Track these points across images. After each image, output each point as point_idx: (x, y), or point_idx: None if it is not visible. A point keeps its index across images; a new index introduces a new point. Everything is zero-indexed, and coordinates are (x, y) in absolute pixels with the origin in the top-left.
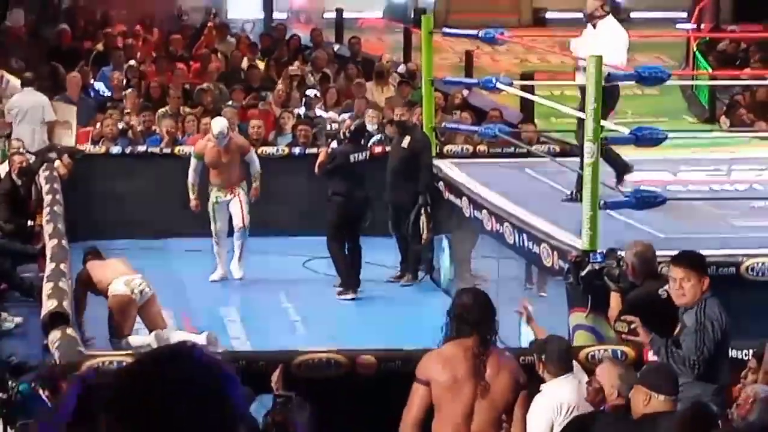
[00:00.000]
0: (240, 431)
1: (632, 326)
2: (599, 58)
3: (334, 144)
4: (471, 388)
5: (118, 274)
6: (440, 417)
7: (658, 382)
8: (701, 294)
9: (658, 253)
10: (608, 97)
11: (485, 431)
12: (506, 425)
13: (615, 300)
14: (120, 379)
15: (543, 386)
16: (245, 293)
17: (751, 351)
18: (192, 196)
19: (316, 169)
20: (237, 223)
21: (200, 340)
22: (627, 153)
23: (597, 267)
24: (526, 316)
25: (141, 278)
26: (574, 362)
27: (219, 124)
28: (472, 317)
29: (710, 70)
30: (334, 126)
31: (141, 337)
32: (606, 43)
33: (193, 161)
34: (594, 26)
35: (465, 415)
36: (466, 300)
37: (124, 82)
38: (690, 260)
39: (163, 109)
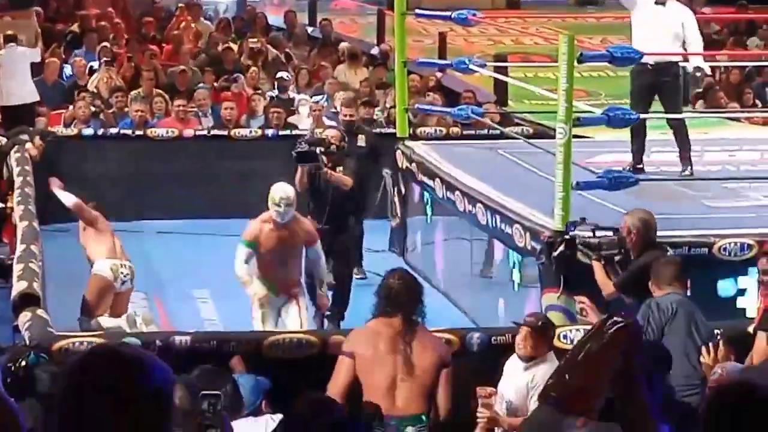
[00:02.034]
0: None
1: (580, 306)
2: (571, 38)
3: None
4: (392, 363)
5: (109, 254)
6: (366, 389)
7: None
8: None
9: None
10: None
11: (410, 405)
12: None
13: (599, 270)
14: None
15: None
16: (219, 276)
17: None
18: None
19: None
20: None
21: (138, 321)
22: (600, 134)
23: (569, 239)
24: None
25: (129, 267)
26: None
27: (282, 189)
28: (399, 298)
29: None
30: (304, 108)
31: (113, 319)
32: (695, 26)
33: (241, 250)
34: (663, 4)
35: (387, 388)
36: (392, 282)
37: (89, 66)
38: None
39: (135, 92)
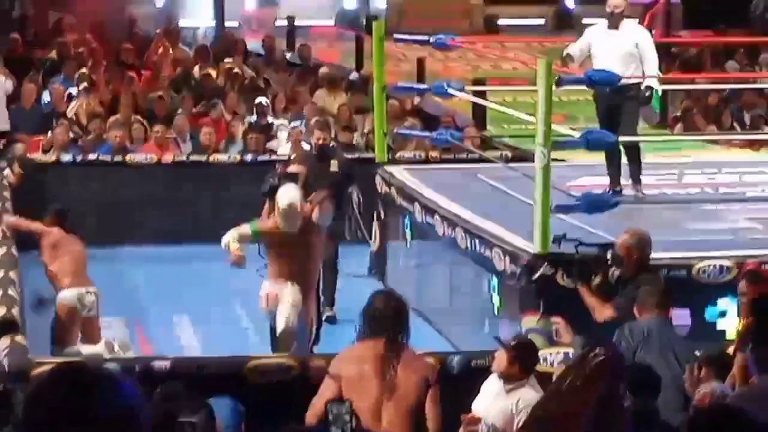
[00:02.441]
0: None
1: (555, 327)
2: (549, 63)
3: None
4: (377, 386)
5: (74, 283)
6: None
7: None
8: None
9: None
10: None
11: (396, 426)
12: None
13: (588, 293)
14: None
15: None
16: (199, 301)
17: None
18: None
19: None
20: None
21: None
22: (579, 157)
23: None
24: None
25: (94, 293)
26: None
27: (286, 197)
28: (383, 321)
29: (661, 75)
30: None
31: (91, 347)
32: (650, 47)
33: (244, 227)
34: (616, 27)
35: (372, 410)
36: (377, 303)
37: (67, 93)
38: None
39: (113, 118)
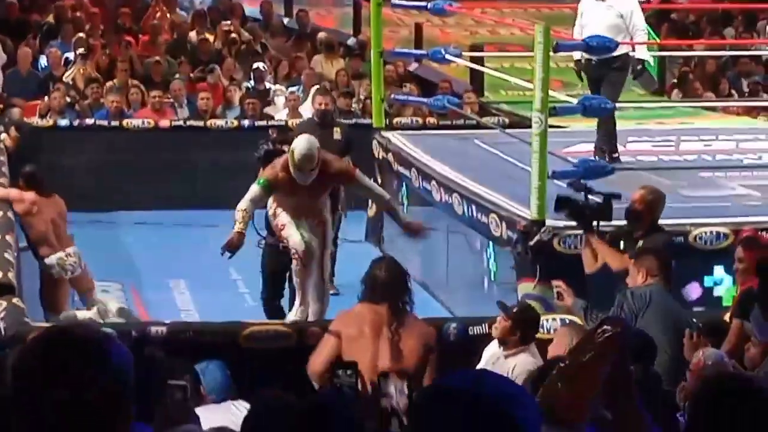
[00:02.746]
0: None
1: (557, 290)
2: (547, 28)
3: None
4: (375, 348)
5: (52, 249)
6: None
7: None
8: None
9: (609, 223)
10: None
11: None
12: None
13: (602, 244)
14: (14, 362)
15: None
16: (195, 266)
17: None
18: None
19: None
20: None
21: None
22: (576, 124)
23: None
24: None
25: (74, 254)
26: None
27: (303, 149)
28: (384, 288)
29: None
30: (280, 99)
31: (85, 312)
32: (638, 16)
33: (253, 190)
34: None
35: (371, 370)
36: (378, 272)
37: (64, 57)
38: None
39: (110, 83)
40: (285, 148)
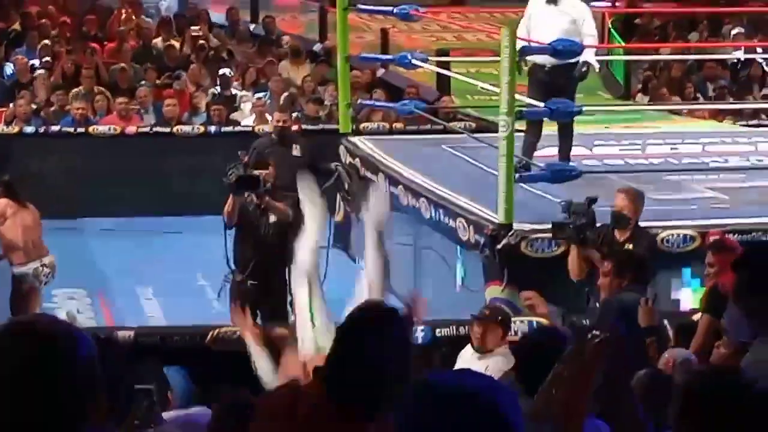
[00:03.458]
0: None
1: (528, 303)
2: (512, 32)
3: None
4: None
5: (27, 258)
6: None
7: None
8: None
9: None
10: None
11: None
12: None
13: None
14: None
15: None
16: (162, 272)
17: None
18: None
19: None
20: None
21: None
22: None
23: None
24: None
25: (49, 264)
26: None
27: None
28: None
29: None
30: (246, 105)
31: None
32: (589, 22)
33: None
34: (555, 2)
35: None
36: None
37: (30, 64)
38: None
39: (76, 90)
40: (258, 173)
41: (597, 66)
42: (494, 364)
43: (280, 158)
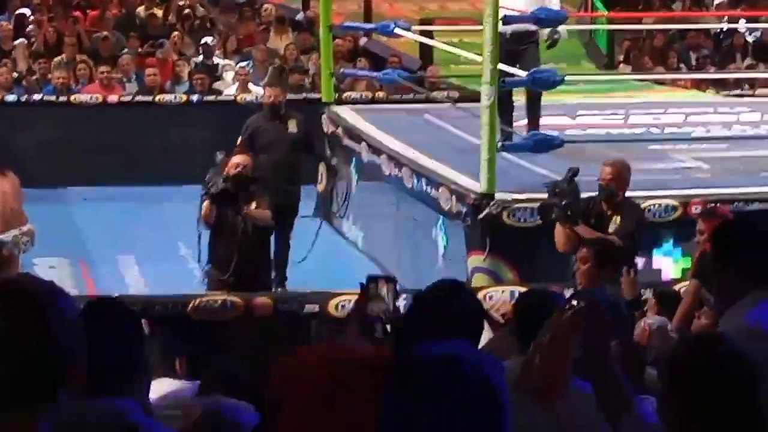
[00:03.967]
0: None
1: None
2: (495, 2)
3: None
4: None
5: (6, 227)
6: None
7: None
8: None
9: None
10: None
11: None
12: None
13: (586, 229)
14: None
15: None
16: (144, 241)
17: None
18: None
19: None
20: None
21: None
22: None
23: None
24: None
25: (28, 231)
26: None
27: None
28: None
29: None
30: (228, 74)
31: None
32: None
33: None
34: None
35: None
36: None
37: (13, 31)
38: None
39: (58, 58)
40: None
41: (565, 33)
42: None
43: (273, 135)
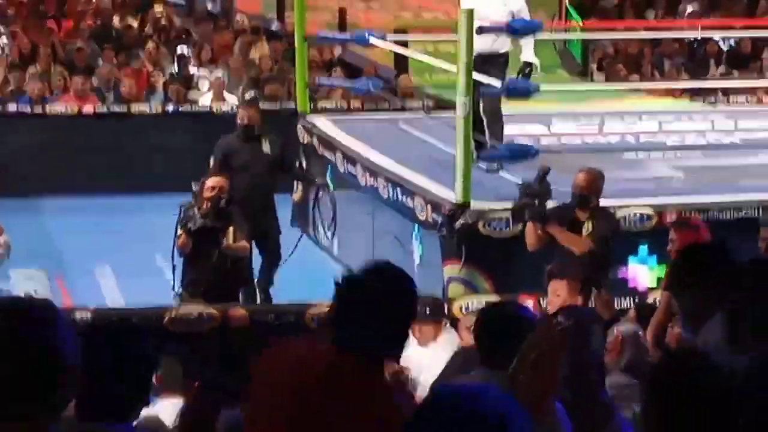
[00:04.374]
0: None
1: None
2: (470, 12)
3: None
4: None
5: None
6: None
7: None
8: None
9: None
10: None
11: None
12: None
13: (562, 232)
14: None
15: None
16: (120, 252)
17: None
18: None
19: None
20: None
21: None
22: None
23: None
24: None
25: (3, 243)
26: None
27: None
28: None
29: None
30: (204, 84)
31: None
32: (525, 15)
33: None
34: None
35: None
36: None
37: None
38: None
39: (33, 68)
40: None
41: (538, 64)
42: (440, 350)
43: (248, 157)
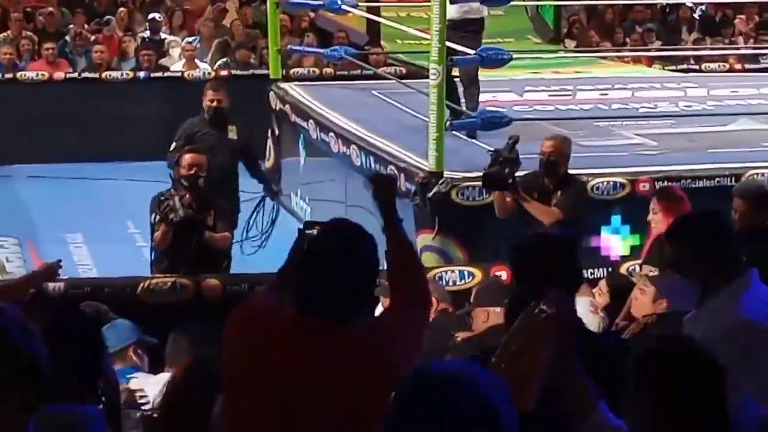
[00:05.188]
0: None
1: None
2: None
3: None
4: None
5: None
6: None
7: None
8: None
9: None
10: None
11: None
12: None
13: (532, 203)
14: None
15: None
16: (92, 220)
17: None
18: None
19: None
20: None
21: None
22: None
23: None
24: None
25: None
26: None
27: None
28: None
29: None
30: (175, 50)
31: None
32: None
33: None
34: None
35: None
36: None
37: None
38: None
39: (4, 34)
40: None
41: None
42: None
43: (214, 143)
